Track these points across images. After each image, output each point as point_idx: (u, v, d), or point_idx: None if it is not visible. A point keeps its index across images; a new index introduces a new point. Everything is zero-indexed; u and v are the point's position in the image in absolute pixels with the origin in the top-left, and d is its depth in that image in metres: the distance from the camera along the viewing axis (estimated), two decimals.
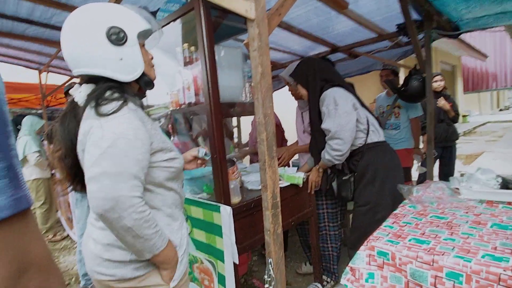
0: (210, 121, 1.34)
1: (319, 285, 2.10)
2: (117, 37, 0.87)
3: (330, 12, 2.40)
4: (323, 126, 1.81)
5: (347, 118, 1.73)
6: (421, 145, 3.23)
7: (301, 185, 1.78)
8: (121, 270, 0.90)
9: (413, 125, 3.05)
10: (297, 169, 1.98)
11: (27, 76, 4.82)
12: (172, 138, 2.11)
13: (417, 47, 2.65)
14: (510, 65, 14.86)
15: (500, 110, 21.84)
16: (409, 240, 1.03)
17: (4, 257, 0.33)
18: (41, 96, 4.39)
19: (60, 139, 0.94)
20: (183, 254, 0.99)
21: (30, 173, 3.45)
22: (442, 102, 3.33)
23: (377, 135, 1.87)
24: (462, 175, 2.09)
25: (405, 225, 1.17)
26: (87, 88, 0.92)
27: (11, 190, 0.33)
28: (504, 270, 0.83)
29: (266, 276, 1.14)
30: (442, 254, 0.93)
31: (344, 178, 1.89)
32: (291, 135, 2.63)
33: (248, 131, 3.44)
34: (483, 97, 17.62)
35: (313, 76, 1.90)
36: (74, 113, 0.94)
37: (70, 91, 0.98)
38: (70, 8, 2.10)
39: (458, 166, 3.88)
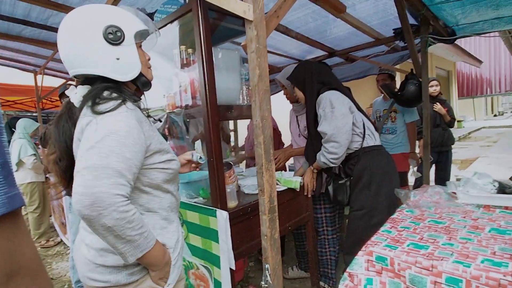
0: (207, 124, 1.32)
1: None
2: (114, 36, 0.87)
3: (327, 16, 2.41)
4: (319, 128, 1.80)
5: (344, 121, 1.72)
6: (417, 150, 3.24)
7: (298, 189, 1.76)
8: (115, 276, 0.87)
9: (409, 130, 3.06)
10: (294, 173, 1.97)
11: (23, 78, 4.77)
12: (168, 141, 2.09)
13: (414, 51, 2.66)
14: (504, 71, 15.08)
15: (495, 115, 22.10)
16: (408, 245, 1.02)
17: None
18: (36, 98, 4.35)
19: (54, 141, 0.93)
20: (177, 257, 0.97)
21: (25, 176, 3.40)
22: (438, 106, 3.35)
23: (373, 139, 1.87)
24: (458, 179, 2.09)
25: (403, 230, 1.16)
26: (83, 89, 0.91)
27: (5, 188, 0.33)
28: (503, 276, 0.82)
29: (263, 282, 1.12)
30: (441, 259, 0.92)
31: (340, 182, 1.88)
32: (288, 139, 2.62)
33: (245, 134, 3.43)
34: (477, 102, 17.83)
35: (310, 79, 1.90)
36: (70, 114, 0.93)
37: (66, 92, 0.97)
38: (67, 9, 2.08)
39: (454, 171, 3.90)
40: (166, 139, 2.06)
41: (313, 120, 1.90)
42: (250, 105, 1.61)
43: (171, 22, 1.52)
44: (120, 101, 0.85)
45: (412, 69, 2.79)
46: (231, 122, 4.20)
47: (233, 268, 1.37)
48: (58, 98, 3.02)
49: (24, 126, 3.48)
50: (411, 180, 3.35)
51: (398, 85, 3.11)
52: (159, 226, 0.94)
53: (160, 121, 1.66)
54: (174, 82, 1.60)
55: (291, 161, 2.57)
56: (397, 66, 3.59)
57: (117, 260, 0.86)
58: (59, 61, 3.44)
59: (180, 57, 1.57)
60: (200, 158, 1.20)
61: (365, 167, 1.81)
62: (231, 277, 1.38)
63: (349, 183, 1.88)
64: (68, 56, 0.89)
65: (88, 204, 0.72)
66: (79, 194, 0.73)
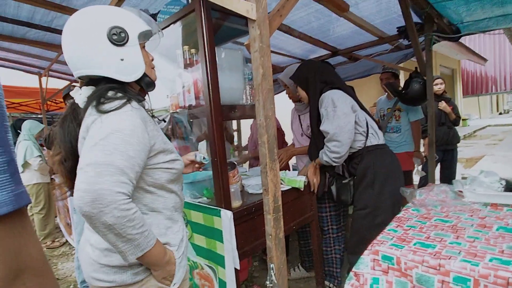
0: (211, 124, 1.32)
1: None
2: (118, 37, 0.87)
3: (330, 15, 2.40)
4: (322, 128, 1.80)
5: (346, 120, 1.72)
6: (422, 148, 3.21)
7: (302, 189, 1.76)
8: (121, 276, 0.87)
9: (413, 128, 3.03)
10: (298, 172, 1.96)
11: (27, 80, 4.82)
12: (172, 141, 2.10)
13: (418, 50, 2.64)
14: (509, 69, 14.93)
15: (500, 113, 21.88)
16: (414, 244, 1.01)
17: (0, 258, 0.32)
18: (41, 100, 4.39)
19: (59, 142, 0.93)
20: (181, 256, 0.97)
21: (31, 178, 3.43)
22: (443, 105, 3.32)
23: (376, 138, 1.86)
24: (464, 178, 2.07)
25: (409, 229, 1.15)
26: (87, 90, 0.92)
27: (11, 185, 0.33)
28: None
29: (268, 282, 1.11)
30: (449, 258, 0.90)
31: (343, 181, 1.87)
32: (291, 139, 2.62)
33: (248, 134, 3.42)
34: (482, 101, 17.66)
35: (314, 79, 1.89)
36: (74, 115, 0.94)
37: (71, 93, 0.98)
38: (71, 11, 2.10)
39: (459, 169, 3.86)
40: (169, 139, 2.07)
41: (316, 119, 1.90)
42: (253, 104, 1.61)
43: (174, 22, 1.52)
44: (125, 100, 0.86)
45: (416, 68, 2.77)
46: (234, 122, 4.20)
47: (238, 268, 1.37)
48: (62, 100, 3.03)
49: (29, 127, 3.51)
50: (415, 179, 3.33)
51: (402, 84, 3.09)
52: (164, 226, 0.94)
53: (164, 121, 1.66)
54: (177, 83, 1.60)
55: (293, 160, 2.57)
56: (401, 65, 3.57)
57: (122, 260, 0.86)
58: (64, 63, 3.49)
59: (183, 57, 1.58)
60: (204, 158, 1.20)
61: (368, 166, 1.80)
62: (235, 276, 1.37)
63: (353, 182, 1.87)
64: (72, 58, 0.89)
65: (89, 201, 0.72)
66: (81, 191, 0.73)
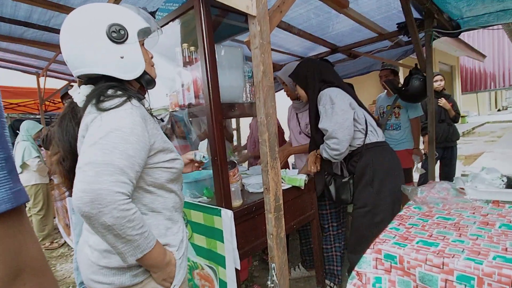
0: (211, 123, 1.31)
1: None
2: (117, 35, 0.86)
3: (330, 12, 2.38)
4: (320, 125, 1.79)
5: (344, 116, 1.71)
6: (421, 146, 3.21)
7: (303, 187, 1.75)
8: (119, 278, 0.86)
9: (413, 126, 3.02)
10: (298, 171, 1.95)
11: (25, 80, 4.79)
12: (171, 140, 2.08)
13: (418, 46, 2.63)
14: (508, 65, 14.92)
15: (498, 110, 21.90)
16: (417, 243, 1.00)
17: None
18: (39, 100, 4.37)
19: (58, 141, 0.92)
20: (181, 257, 0.96)
21: (29, 178, 3.41)
22: (443, 101, 3.31)
23: (375, 135, 1.85)
24: (463, 175, 2.05)
25: (412, 227, 1.14)
26: (86, 89, 0.90)
27: (9, 183, 0.32)
28: None
29: (269, 282, 1.10)
30: (452, 257, 0.90)
31: (343, 180, 1.86)
32: (288, 136, 2.60)
33: (247, 133, 3.41)
34: (481, 97, 17.66)
35: (313, 78, 1.88)
36: (73, 114, 0.92)
37: (69, 92, 0.97)
38: (69, 10, 2.08)
39: (458, 166, 3.85)
40: (169, 138, 2.05)
41: (315, 118, 1.89)
42: (253, 102, 1.60)
43: (173, 20, 1.51)
44: (125, 98, 0.84)
45: (416, 64, 2.76)
46: (233, 121, 4.18)
47: (239, 268, 1.36)
48: (60, 100, 3.01)
49: (27, 128, 3.49)
50: (415, 176, 3.32)
51: (401, 81, 3.08)
52: (163, 227, 0.93)
53: (163, 121, 1.65)
54: (176, 81, 1.59)
55: (292, 159, 2.56)
56: (401, 61, 3.56)
57: (121, 261, 0.85)
58: (62, 63, 3.47)
59: (183, 55, 1.56)
60: (203, 157, 1.18)
61: (367, 164, 1.79)
62: (236, 277, 1.37)
63: (352, 180, 1.86)
64: (71, 56, 0.88)
65: (88, 201, 0.70)
66: (80, 191, 0.72)
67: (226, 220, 1.32)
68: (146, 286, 0.89)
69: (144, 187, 0.89)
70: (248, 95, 1.60)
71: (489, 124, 13.38)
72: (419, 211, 1.31)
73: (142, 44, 0.96)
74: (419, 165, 3.12)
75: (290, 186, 1.73)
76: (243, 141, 4.02)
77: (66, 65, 0.92)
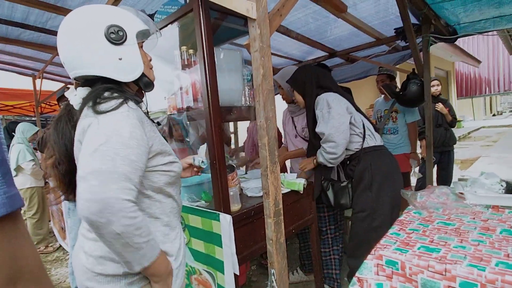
0: (209, 126, 1.29)
1: None
2: (116, 36, 0.84)
3: (328, 16, 2.39)
4: (317, 129, 1.80)
5: (340, 121, 1.72)
6: (418, 150, 3.21)
7: (302, 192, 1.73)
8: (114, 285, 0.84)
9: (410, 130, 3.03)
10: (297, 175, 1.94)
11: (21, 82, 4.75)
12: (169, 143, 2.06)
13: (416, 51, 2.65)
14: (503, 71, 15.12)
15: (493, 115, 22.12)
16: (418, 248, 0.99)
17: None
18: (35, 102, 4.33)
19: (53, 144, 0.90)
20: (179, 267, 0.93)
21: (24, 182, 3.36)
22: (440, 106, 3.33)
23: (373, 139, 1.85)
24: (461, 180, 2.06)
25: (412, 232, 1.13)
26: (83, 91, 0.89)
27: (4, 187, 0.31)
28: None
29: None
30: (455, 263, 0.88)
31: (342, 185, 1.86)
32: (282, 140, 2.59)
33: (245, 136, 3.39)
34: (476, 102, 17.84)
35: (310, 83, 1.89)
36: (69, 117, 0.90)
37: (65, 94, 0.95)
38: (66, 12, 2.06)
39: (455, 171, 3.86)
40: (166, 141, 2.03)
41: (312, 123, 1.90)
42: (252, 106, 1.59)
43: (172, 22, 1.50)
44: (122, 100, 0.82)
45: (413, 69, 2.77)
46: (231, 124, 4.17)
47: (237, 273, 1.33)
48: (57, 102, 2.98)
49: (22, 130, 3.44)
50: (413, 180, 3.33)
51: (399, 85, 3.09)
52: (161, 233, 0.91)
53: (159, 124, 1.63)
54: (175, 84, 1.57)
55: (288, 163, 2.55)
56: (398, 66, 3.58)
57: (117, 268, 0.83)
58: (58, 64, 3.45)
59: (181, 58, 1.55)
60: (202, 162, 1.16)
61: (365, 168, 1.79)
62: (235, 282, 1.34)
63: (351, 185, 1.86)
64: (68, 58, 0.86)
65: (96, 211, 0.69)
66: (86, 200, 0.70)
67: (224, 224, 1.30)
68: None
69: (142, 191, 0.87)
70: (247, 98, 1.59)
71: (484, 128, 13.51)
72: (419, 216, 1.30)
73: (141, 46, 0.95)
74: (417, 169, 3.13)
75: (289, 190, 1.72)
76: (241, 145, 4.00)
77: (62, 67, 0.90)
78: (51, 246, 3.59)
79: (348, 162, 1.89)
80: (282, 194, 1.62)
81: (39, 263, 0.36)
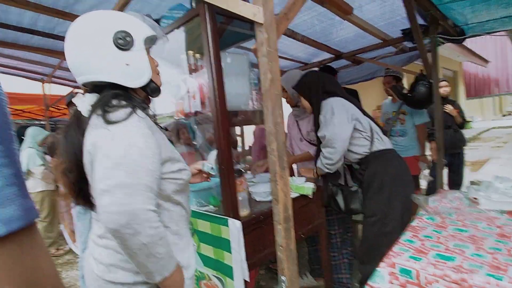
0: (217, 131, 1.29)
1: None
2: (124, 42, 0.84)
3: (333, 18, 2.38)
4: (319, 133, 1.83)
5: (341, 129, 1.74)
6: (427, 152, 3.16)
7: (311, 196, 1.71)
8: None
9: (419, 132, 2.98)
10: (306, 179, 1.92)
11: (30, 87, 4.82)
12: (176, 146, 2.06)
13: (423, 52, 2.61)
14: (511, 70, 14.85)
15: (503, 115, 21.73)
16: (433, 256, 0.96)
17: (13, 276, 0.30)
18: (44, 107, 4.38)
19: (63, 152, 0.90)
20: (190, 278, 0.93)
21: (35, 185, 3.39)
22: (449, 108, 3.27)
23: (382, 143, 1.84)
24: (472, 182, 2.01)
25: (426, 239, 1.10)
26: (91, 97, 0.88)
27: (20, 199, 0.31)
28: None
29: None
30: (471, 272, 0.86)
31: (352, 190, 1.85)
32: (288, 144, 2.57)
33: (250, 138, 3.38)
34: (485, 102, 17.55)
35: (316, 89, 1.91)
36: (78, 124, 0.90)
37: (73, 100, 0.94)
38: (73, 17, 2.07)
39: (466, 173, 3.78)
40: (173, 144, 2.03)
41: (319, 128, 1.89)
42: (260, 110, 1.58)
43: (178, 27, 1.50)
44: (130, 109, 0.82)
45: (421, 70, 2.73)
46: (237, 127, 4.16)
47: (247, 279, 1.32)
48: (66, 107, 3.01)
49: (32, 135, 3.48)
50: (422, 183, 3.27)
51: (406, 86, 3.05)
52: (170, 242, 0.90)
53: (167, 130, 1.63)
54: (182, 88, 1.57)
55: (294, 167, 2.53)
56: (405, 67, 3.53)
57: (127, 276, 0.82)
58: (66, 69, 3.48)
59: (188, 62, 1.54)
60: (212, 168, 1.16)
61: (375, 172, 1.78)
62: None
63: (361, 189, 1.84)
64: (76, 63, 0.86)
65: (125, 223, 0.70)
66: (114, 213, 0.71)
67: (233, 230, 1.29)
68: None
69: None
70: (254, 102, 1.58)
71: (494, 129, 13.26)
72: (432, 222, 1.27)
73: (148, 52, 0.95)
74: (427, 172, 3.07)
75: (298, 194, 1.70)
76: (247, 147, 3.98)
77: (70, 71, 0.90)
78: (62, 248, 3.62)
79: (357, 167, 1.87)
80: (291, 198, 1.61)
81: (55, 273, 0.36)
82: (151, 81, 0.93)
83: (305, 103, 1.99)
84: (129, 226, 0.70)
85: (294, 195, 1.68)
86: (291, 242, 1.09)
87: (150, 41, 0.95)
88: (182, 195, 0.95)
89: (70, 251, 3.61)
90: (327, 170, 1.82)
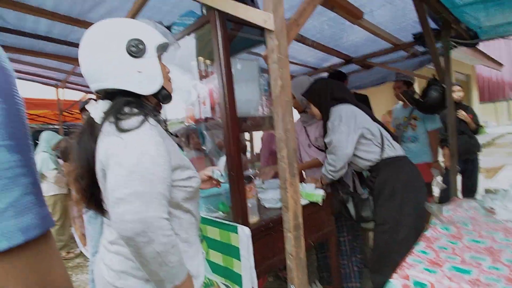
0: (227, 137, 1.29)
1: None
2: (136, 49, 0.85)
3: (344, 23, 2.36)
4: (325, 140, 1.85)
5: (347, 137, 1.75)
6: (440, 158, 3.08)
7: (321, 203, 1.69)
8: None
9: (431, 138, 2.92)
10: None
11: (44, 92, 4.94)
12: (185, 151, 2.07)
13: (436, 56, 2.56)
14: None
15: None
16: (449, 269, 0.93)
17: (29, 285, 0.30)
18: (58, 111, 4.48)
19: (76, 158, 0.91)
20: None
21: (47, 189, 3.46)
22: (463, 114, 3.18)
23: (393, 150, 1.82)
24: (487, 190, 1.95)
25: (441, 251, 1.07)
26: (104, 104, 0.89)
27: (37, 208, 0.32)
28: None
29: None
30: (488, 287, 0.83)
31: (362, 197, 1.83)
32: None
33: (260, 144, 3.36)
34: (499, 107, 17.11)
35: (325, 96, 1.91)
36: (91, 131, 0.91)
37: (86, 107, 0.96)
38: (87, 25, 2.13)
39: (480, 180, 3.67)
40: (181, 149, 2.05)
41: None
42: (270, 116, 1.57)
43: (189, 34, 1.51)
44: (142, 117, 0.83)
45: (433, 75, 2.69)
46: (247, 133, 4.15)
47: (256, 287, 1.30)
48: (79, 112, 3.07)
49: (46, 139, 3.56)
50: (435, 190, 3.19)
51: (417, 91, 3.00)
52: (181, 250, 0.90)
53: (177, 136, 1.64)
54: (192, 94, 1.58)
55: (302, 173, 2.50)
56: (416, 72, 3.48)
57: (138, 284, 0.83)
58: (80, 75, 3.55)
59: (198, 68, 1.56)
60: (221, 175, 1.15)
61: (386, 179, 1.75)
62: None
63: (372, 197, 1.81)
64: (89, 71, 0.88)
65: (141, 231, 0.71)
66: (129, 222, 0.72)
67: (243, 237, 1.28)
68: None
69: None
70: (264, 108, 1.57)
71: (509, 135, 12.89)
72: (447, 232, 1.23)
73: (159, 59, 0.96)
74: (439, 178, 2.99)
75: (307, 201, 1.68)
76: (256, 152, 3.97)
77: (83, 77, 0.91)
78: (72, 252, 3.67)
79: (368, 174, 1.85)
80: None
81: (68, 279, 0.37)
82: (162, 88, 0.94)
83: (314, 110, 1.99)
84: (144, 234, 0.71)
85: (303, 202, 1.66)
86: (301, 250, 1.07)
87: (162, 48, 0.96)
88: (191, 202, 0.95)
89: (81, 254, 3.65)
90: (330, 177, 1.83)
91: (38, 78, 4.14)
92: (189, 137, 2.13)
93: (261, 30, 1.11)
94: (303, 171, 2.46)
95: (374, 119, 1.89)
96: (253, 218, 1.38)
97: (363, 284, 2.15)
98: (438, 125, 2.92)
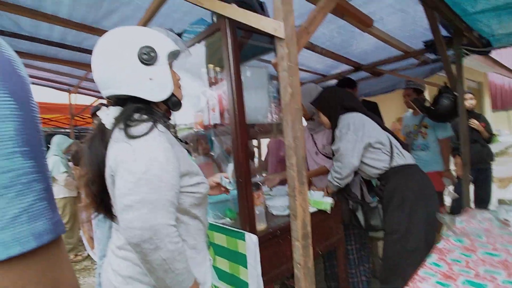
0: (236, 143, 1.29)
1: None
2: (148, 57, 0.87)
3: (353, 30, 2.36)
4: (332, 147, 1.86)
5: (354, 146, 1.75)
6: (451, 167, 3.02)
7: (329, 211, 1.67)
8: None
9: (442, 147, 2.86)
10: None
11: (57, 96, 5.05)
12: (193, 156, 2.08)
13: (447, 64, 2.53)
14: None
15: None
16: (463, 283, 0.90)
17: None
18: (69, 116, 4.58)
19: (87, 164, 0.92)
20: None
21: (57, 192, 3.51)
22: (475, 122, 3.12)
23: (402, 158, 1.80)
24: (500, 201, 1.90)
25: (454, 263, 1.04)
26: (115, 110, 0.91)
27: (50, 213, 0.32)
28: None
29: None
30: None
31: (371, 206, 1.80)
32: None
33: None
34: None
35: (335, 105, 1.92)
36: (102, 136, 0.92)
37: (98, 113, 0.98)
38: (101, 32, 2.17)
39: (493, 190, 3.58)
40: (190, 154, 2.06)
41: None
42: (278, 123, 1.57)
43: (199, 41, 1.53)
44: (151, 123, 0.83)
45: (445, 82, 2.65)
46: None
47: None
48: (90, 116, 3.13)
49: (58, 143, 3.63)
50: (447, 200, 3.11)
51: (428, 99, 2.96)
52: (188, 257, 0.89)
53: (187, 143, 1.65)
54: (202, 101, 1.59)
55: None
56: (427, 79, 3.44)
57: None
58: (91, 80, 3.61)
59: (208, 75, 1.57)
60: (230, 183, 1.15)
61: (395, 188, 1.73)
62: None
63: (381, 205, 1.78)
64: (103, 77, 0.89)
65: (148, 238, 0.72)
66: (137, 229, 0.72)
67: (250, 244, 1.27)
68: None
69: None
70: (273, 115, 1.57)
71: None
72: (460, 244, 1.20)
73: (170, 66, 0.97)
74: (451, 188, 2.93)
75: (315, 209, 1.66)
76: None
77: (95, 83, 0.93)
78: (80, 254, 3.70)
79: (377, 182, 1.83)
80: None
81: (77, 284, 0.37)
82: (172, 95, 0.95)
83: (323, 118, 1.99)
84: (151, 241, 0.71)
85: (311, 209, 1.64)
86: (309, 260, 1.06)
87: (173, 56, 0.97)
88: (200, 208, 0.94)
89: (88, 257, 3.68)
90: (336, 184, 1.82)
91: (52, 84, 4.24)
92: (198, 143, 2.14)
93: (271, 37, 1.11)
94: (310, 179, 2.45)
95: (384, 127, 1.88)
96: (261, 226, 1.37)
97: None
98: (449, 133, 2.86)
